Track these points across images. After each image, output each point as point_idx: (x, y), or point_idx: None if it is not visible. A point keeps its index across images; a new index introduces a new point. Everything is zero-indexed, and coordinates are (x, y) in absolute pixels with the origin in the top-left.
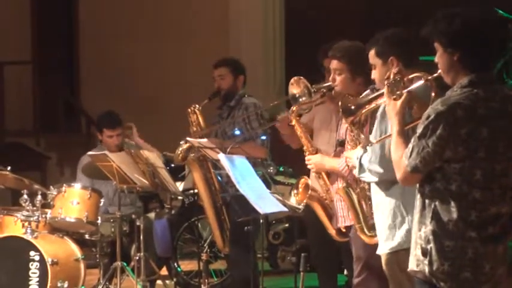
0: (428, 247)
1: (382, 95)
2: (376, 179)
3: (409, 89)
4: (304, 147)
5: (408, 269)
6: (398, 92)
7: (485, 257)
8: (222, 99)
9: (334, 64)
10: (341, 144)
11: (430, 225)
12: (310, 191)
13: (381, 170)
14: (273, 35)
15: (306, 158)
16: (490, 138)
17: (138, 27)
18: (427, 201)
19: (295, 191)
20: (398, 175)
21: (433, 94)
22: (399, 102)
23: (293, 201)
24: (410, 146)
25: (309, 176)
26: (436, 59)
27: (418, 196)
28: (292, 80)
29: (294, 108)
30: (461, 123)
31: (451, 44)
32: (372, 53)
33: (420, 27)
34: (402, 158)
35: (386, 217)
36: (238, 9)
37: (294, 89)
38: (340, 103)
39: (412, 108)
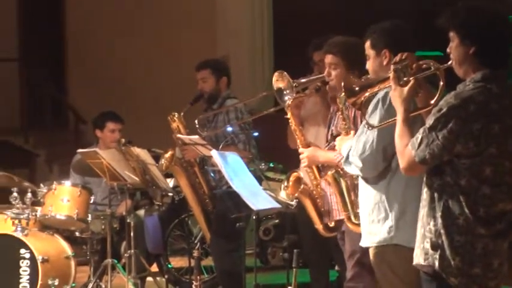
0: (440, 241)
1: (387, 79)
2: (358, 172)
3: (417, 76)
4: (298, 141)
5: (414, 263)
6: (405, 79)
7: (494, 253)
8: (206, 102)
9: (329, 59)
10: (336, 137)
11: (441, 219)
12: (302, 186)
13: (360, 164)
14: (262, 32)
15: (299, 151)
16: (501, 135)
17: (126, 23)
18: (436, 194)
19: (285, 184)
20: (402, 163)
21: (441, 83)
22: (406, 89)
23: (283, 195)
24: (418, 136)
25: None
26: (449, 49)
27: (426, 189)
28: (276, 74)
29: (290, 101)
30: (473, 119)
31: (470, 37)
32: (367, 44)
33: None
34: (408, 147)
35: (371, 211)
36: (225, 5)
37: (280, 83)
38: (343, 83)
39: (417, 96)
